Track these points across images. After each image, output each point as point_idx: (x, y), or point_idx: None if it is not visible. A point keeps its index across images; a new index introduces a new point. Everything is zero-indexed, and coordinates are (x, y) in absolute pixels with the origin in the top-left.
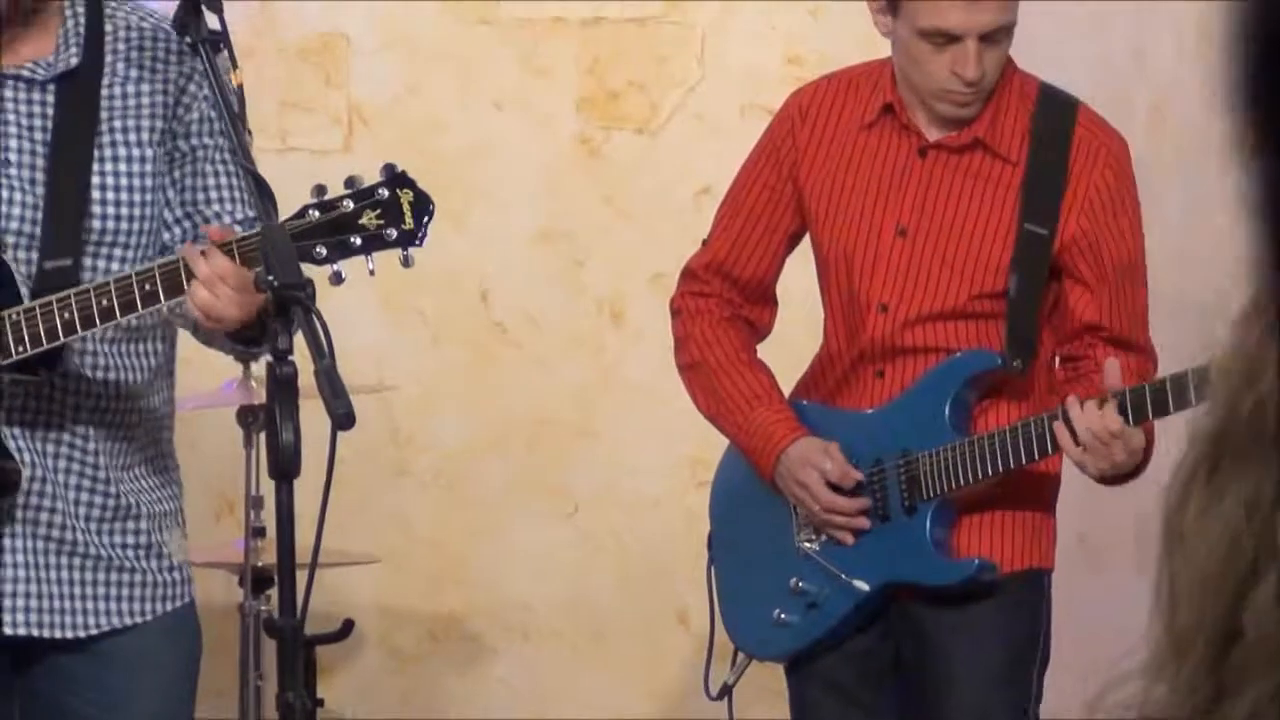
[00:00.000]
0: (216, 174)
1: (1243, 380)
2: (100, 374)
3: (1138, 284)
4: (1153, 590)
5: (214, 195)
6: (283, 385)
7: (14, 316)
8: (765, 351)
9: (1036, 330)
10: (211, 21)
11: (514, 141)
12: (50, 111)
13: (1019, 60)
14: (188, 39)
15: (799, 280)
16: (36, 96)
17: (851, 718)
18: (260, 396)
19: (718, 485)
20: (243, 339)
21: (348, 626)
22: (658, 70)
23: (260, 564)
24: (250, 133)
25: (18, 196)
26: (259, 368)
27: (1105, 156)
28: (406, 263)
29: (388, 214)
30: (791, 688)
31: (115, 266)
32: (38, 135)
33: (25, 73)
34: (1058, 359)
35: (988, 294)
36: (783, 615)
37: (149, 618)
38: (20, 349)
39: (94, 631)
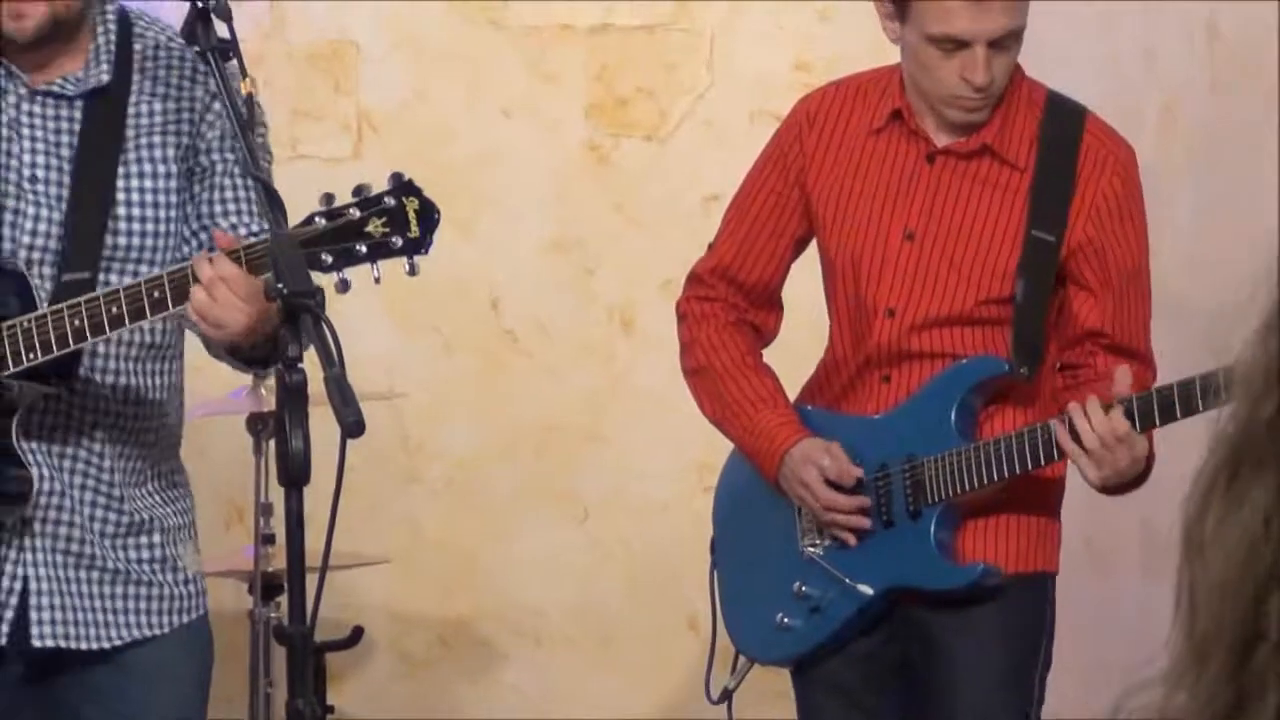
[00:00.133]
0: (235, 188)
1: (1263, 388)
2: (118, 390)
3: (1141, 292)
4: (1172, 597)
5: (230, 208)
6: (292, 393)
7: (25, 324)
8: (770, 357)
9: (1043, 336)
10: (221, 30)
11: (523, 148)
12: (77, 128)
13: (1028, 61)
14: (196, 47)
15: (804, 285)
16: (64, 112)
17: None
18: (270, 404)
19: (721, 490)
20: (254, 358)
21: (357, 633)
22: (666, 77)
23: (270, 571)
24: (270, 154)
25: (43, 213)
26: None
27: (1113, 164)
28: (412, 271)
29: (394, 222)
30: (797, 691)
31: None
32: (64, 151)
33: (55, 89)
34: (1058, 366)
35: (995, 300)
36: (785, 619)
37: (166, 630)
38: (31, 355)
39: (117, 643)
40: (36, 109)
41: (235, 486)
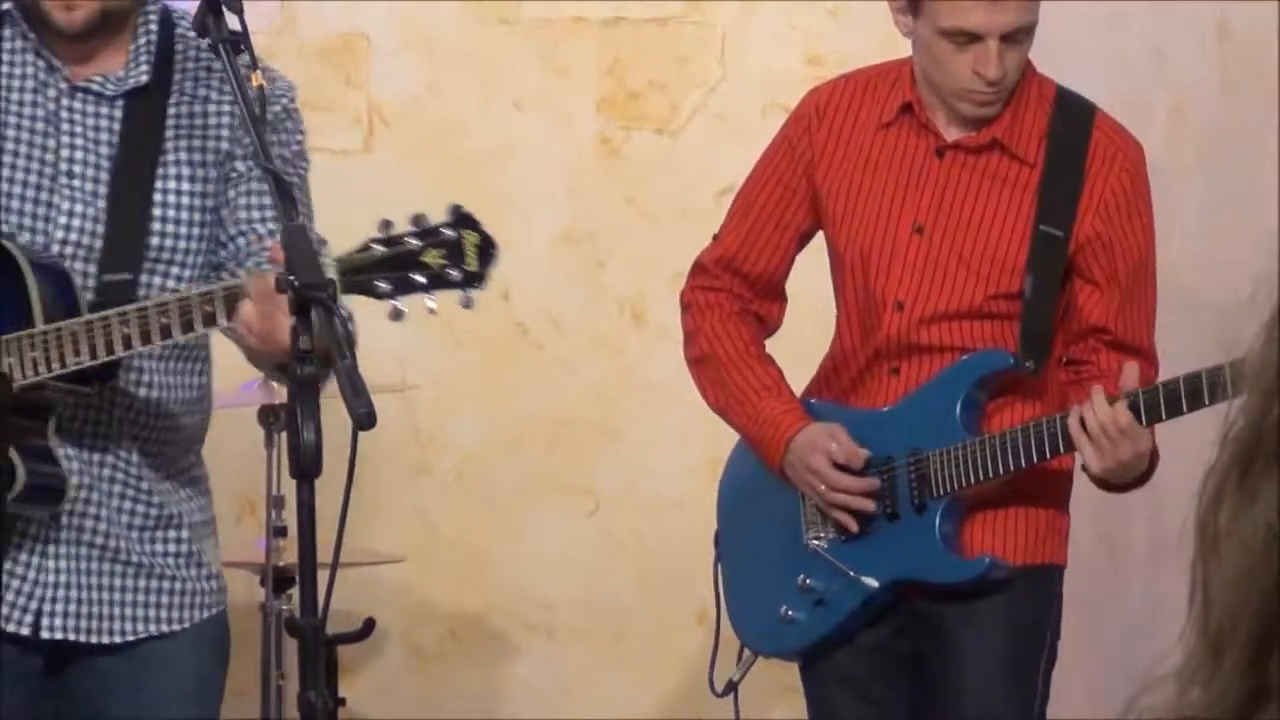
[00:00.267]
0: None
1: (1274, 385)
2: (148, 389)
3: (1148, 289)
4: (1183, 593)
5: (270, 214)
6: (303, 385)
7: (74, 328)
8: (775, 349)
9: (1051, 331)
10: (232, 22)
11: (534, 142)
12: (117, 126)
13: (1039, 59)
14: (208, 39)
15: (810, 278)
16: (104, 110)
17: (865, 713)
18: (281, 396)
19: (725, 483)
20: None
21: (369, 626)
22: (678, 70)
23: (282, 563)
24: (307, 160)
25: (79, 208)
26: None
27: (1122, 161)
28: (467, 304)
29: (452, 254)
30: (806, 685)
31: (171, 283)
32: (103, 149)
33: (95, 86)
34: (1063, 361)
35: (1003, 294)
36: (789, 612)
37: (186, 625)
38: (77, 360)
39: (131, 638)
40: (77, 104)
41: (247, 479)
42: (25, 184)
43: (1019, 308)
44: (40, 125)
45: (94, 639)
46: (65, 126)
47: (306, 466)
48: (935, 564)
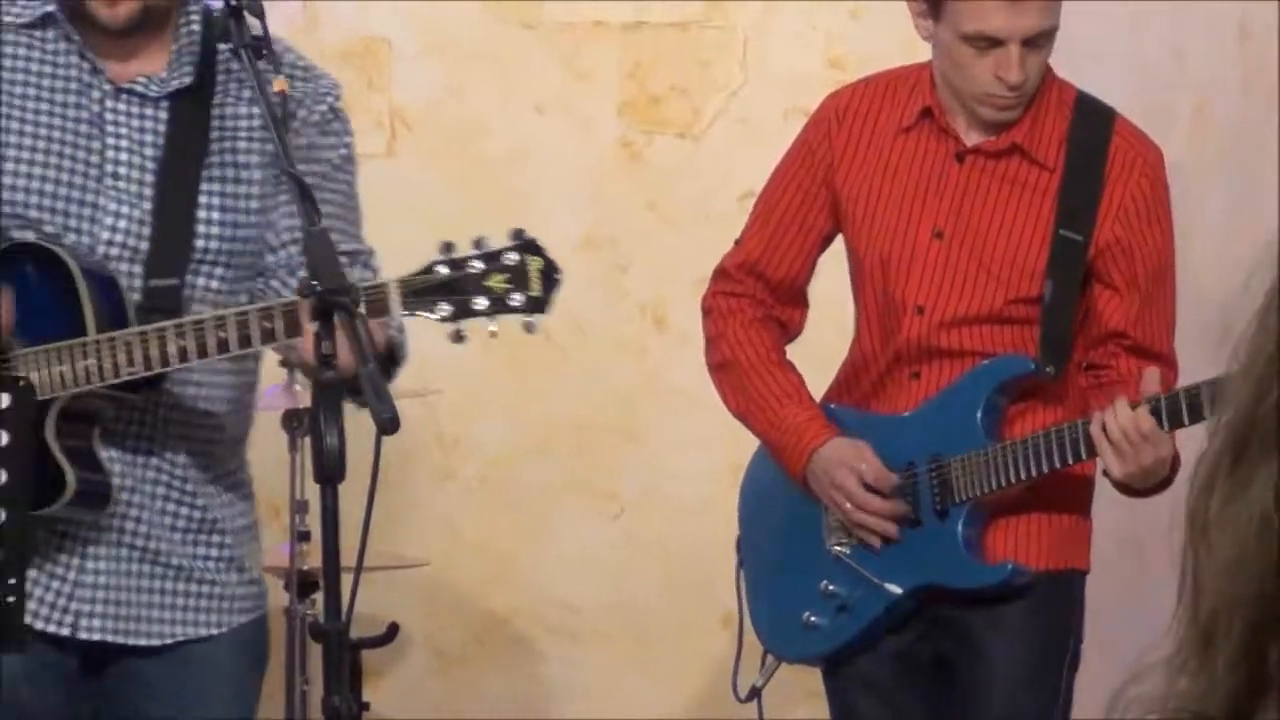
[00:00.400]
0: (325, 202)
1: (1266, 371)
2: (193, 393)
3: (1167, 294)
4: (1179, 582)
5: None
6: (327, 390)
7: (127, 338)
8: (795, 355)
9: (1071, 336)
10: (254, 26)
11: (555, 146)
12: (162, 128)
13: (1060, 60)
14: (229, 43)
15: (829, 282)
16: (149, 112)
17: (887, 718)
18: (305, 401)
19: (746, 489)
20: (357, 389)
21: (393, 630)
22: (699, 74)
23: (305, 568)
24: (355, 163)
25: (124, 210)
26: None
27: (1141, 166)
28: (530, 329)
29: (515, 279)
30: (829, 690)
31: (215, 285)
32: (148, 151)
33: (139, 88)
34: (1083, 366)
35: (1023, 299)
36: (812, 618)
37: (224, 629)
38: (130, 370)
39: (169, 640)
40: (121, 106)
41: (271, 484)
42: (71, 185)
43: (1039, 312)
44: (85, 127)
45: (132, 641)
46: (110, 128)
47: (330, 471)
48: (958, 570)
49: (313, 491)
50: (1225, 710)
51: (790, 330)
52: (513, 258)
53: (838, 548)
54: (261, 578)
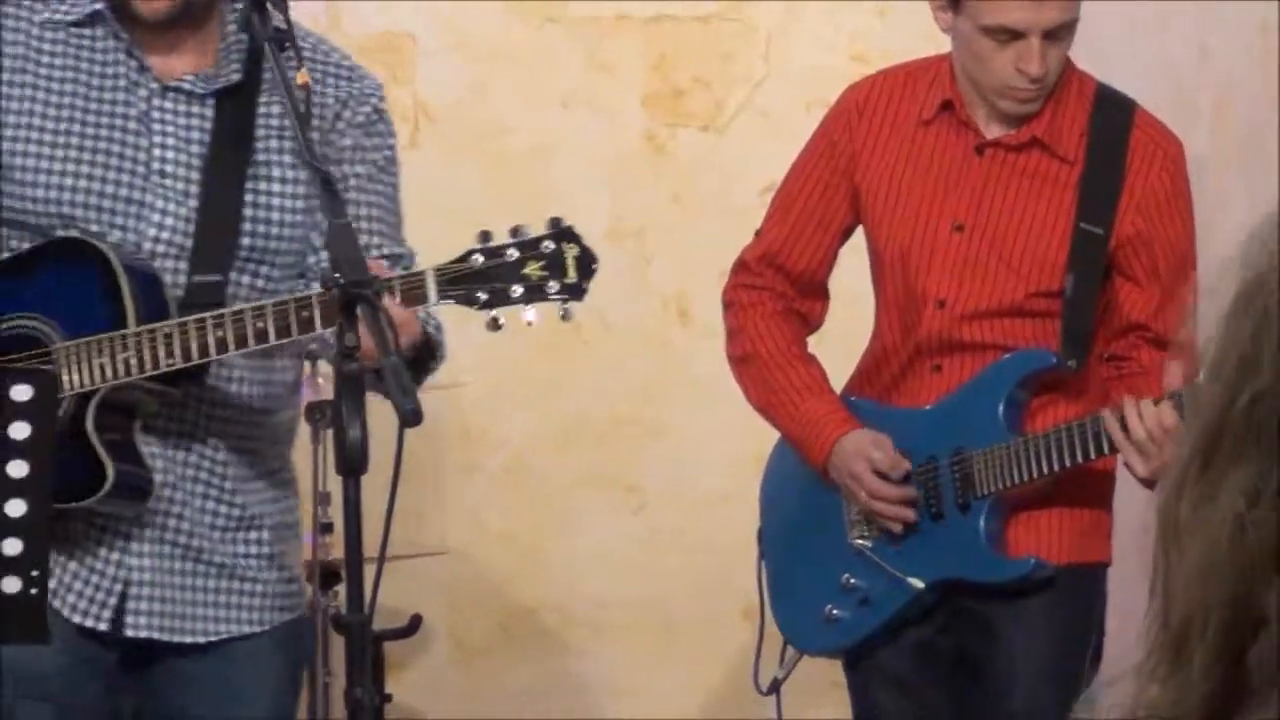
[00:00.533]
0: (370, 205)
1: (1236, 374)
2: (234, 388)
3: (1188, 286)
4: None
5: (363, 226)
6: (350, 382)
7: (167, 330)
8: (819, 347)
9: (1092, 329)
10: (277, 19)
11: (580, 139)
12: (209, 125)
13: (1083, 57)
14: (252, 36)
15: (850, 274)
16: (195, 109)
17: (909, 710)
18: (328, 393)
19: (767, 480)
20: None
21: (416, 622)
22: (723, 67)
23: (328, 560)
24: (398, 164)
25: (170, 207)
26: (325, 364)
27: (1161, 159)
28: (566, 316)
29: (552, 266)
30: (851, 682)
31: (260, 284)
32: (194, 148)
33: (186, 85)
34: (1105, 357)
35: (1044, 292)
36: (834, 611)
37: (266, 627)
38: (170, 361)
39: (213, 638)
40: (168, 104)
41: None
42: (118, 183)
43: (1060, 306)
44: (132, 125)
45: (176, 638)
46: (157, 126)
47: (353, 463)
48: (980, 563)
49: (335, 484)
50: (1201, 716)
51: (811, 322)
52: (549, 245)
53: (859, 541)
54: (301, 575)
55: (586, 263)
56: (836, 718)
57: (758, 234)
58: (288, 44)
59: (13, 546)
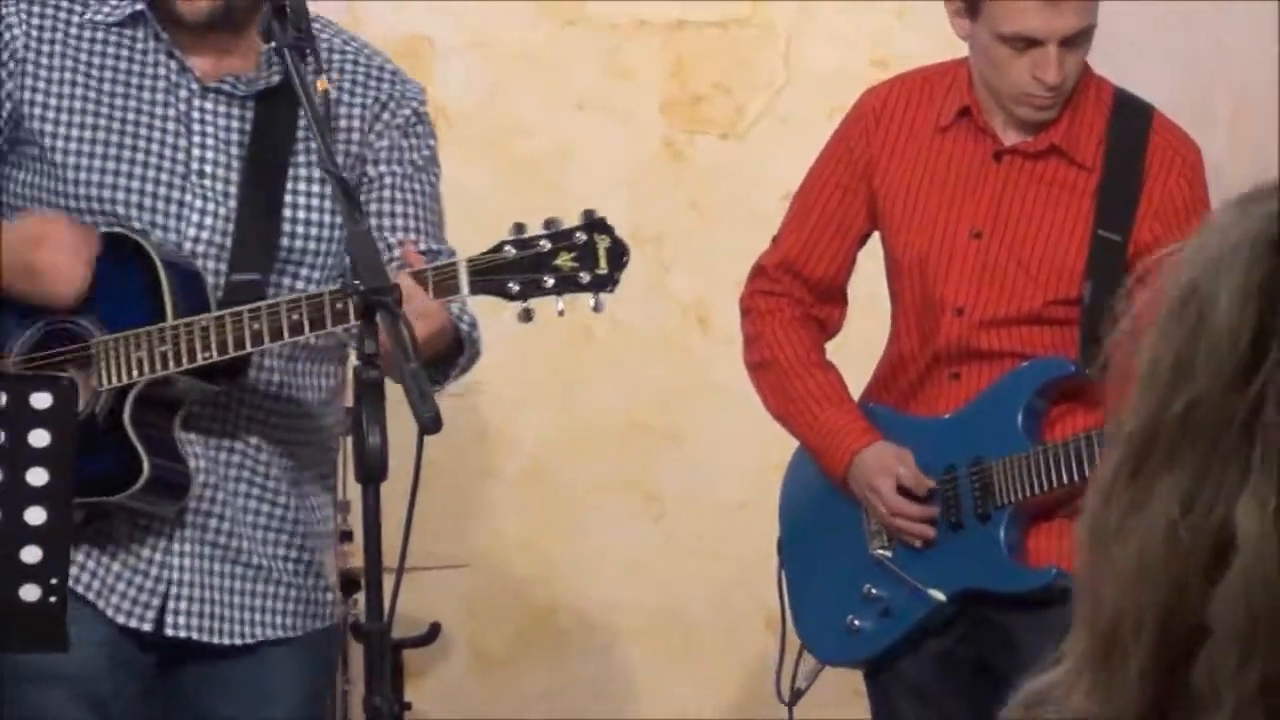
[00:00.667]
0: (406, 202)
1: (1171, 381)
2: (276, 389)
3: None
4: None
5: (400, 224)
6: (369, 389)
7: (204, 323)
8: (833, 351)
9: None
10: (307, 21)
11: (598, 144)
12: (249, 126)
13: (1102, 59)
14: (272, 43)
15: (869, 280)
16: (236, 111)
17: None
18: (347, 400)
19: (786, 491)
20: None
21: (435, 630)
22: (742, 73)
23: (347, 568)
24: (439, 166)
25: (210, 207)
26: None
27: (1180, 165)
28: (598, 307)
29: (583, 257)
30: (872, 692)
31: (301, 285)
32: (234, 149)
33: (226, 87)
34: None
35: (1063, 300)
36: (855, 621)
37: (299, 633)
38: (206, 355)
39: (250, 640)
40: (208, 105)
41: None
42: (158, 183)
43: (1079, 314)
44: (172, 125)
45: (214, 639)
46: (197, 127)
47: (372, 470)
48: (1001, 574)
49: (354, 491)
50: None
51: (829, 328)
52: (581, 236)
53: (880, 551)
54: (335, 585)
55: (618, 254)
56: None
57: (775, 240)
58: (309, 51)
59: (32, 554)
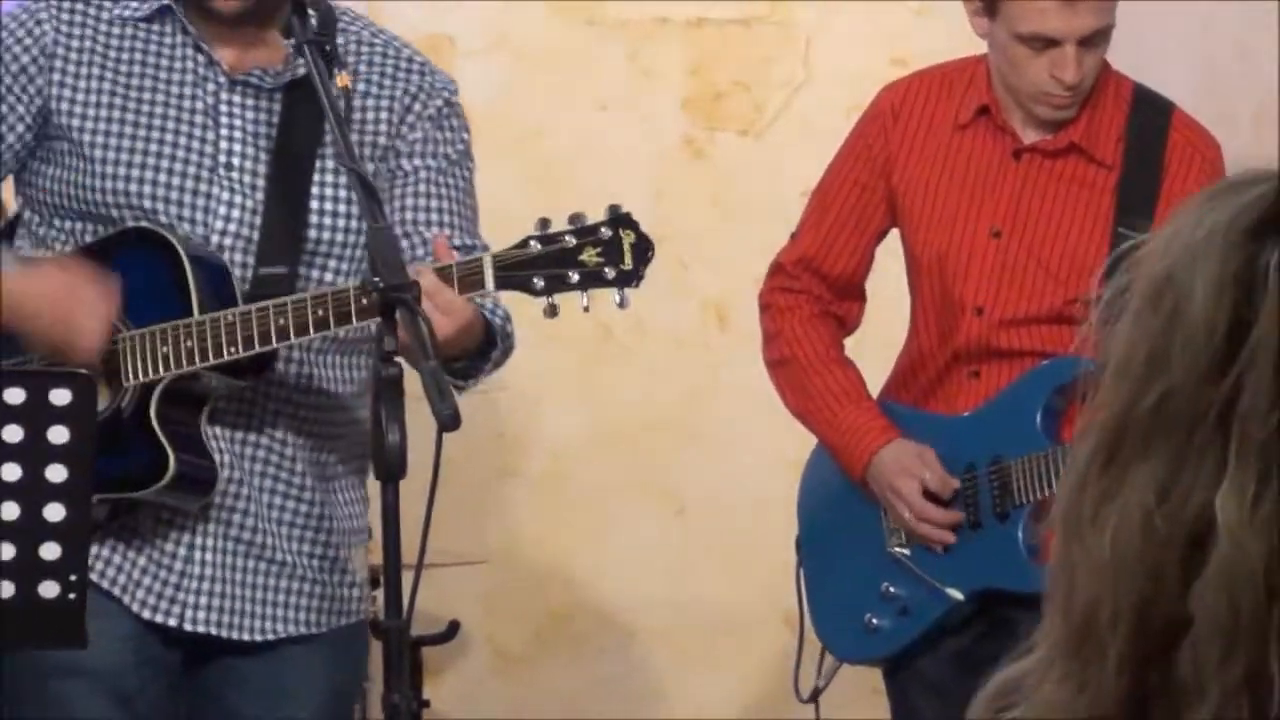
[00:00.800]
0: (440, 196)
1: (1144, 373)
2: (304, 383)
3: None
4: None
5: (434, 218)
6: (388, 386)
7: (230, 318)
8: (852, 347)
9: None
10: (330, 14)
11: (619, 142)
12: (276, 119)
13: (1123, 60)
14: (293, 40)
15: (889, 276)
16: (264, 104)
17: (949, 718)
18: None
19: (804, 489)
20: (452, 372)
21: (453, 628)
22: (762, 72)
23: (367, 565)
24: (473, 160)
25: (238, 199)
26: None
27: (1199, 161)
28: (622, 303)
29: (608, 253)
30: (891, 690)
31: (329, 278)
32: (261, 142)
33: (254, 80)
34: None
35: (1083, 298)
36: (874, 620)
37: (325, 630)
38: (232, 350)
39: (271, 637)
40: (236, 98)
41: None
42: (185, 175)
43: None
44: (199, 118)
45: (235, 635)
46: (224, 120)
47: (391, 468)
48: (1020, 573)
49: (373, 489)
50: (1120, 715)
51: (848, 325)
52: (606, 232)
53: (898, 549)
54: (364, 581)
55: (643, 249)
56: None
57: (793, 237)
58: (329, 47)
59: (51, 551)
